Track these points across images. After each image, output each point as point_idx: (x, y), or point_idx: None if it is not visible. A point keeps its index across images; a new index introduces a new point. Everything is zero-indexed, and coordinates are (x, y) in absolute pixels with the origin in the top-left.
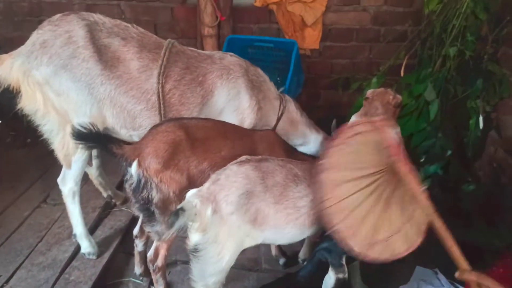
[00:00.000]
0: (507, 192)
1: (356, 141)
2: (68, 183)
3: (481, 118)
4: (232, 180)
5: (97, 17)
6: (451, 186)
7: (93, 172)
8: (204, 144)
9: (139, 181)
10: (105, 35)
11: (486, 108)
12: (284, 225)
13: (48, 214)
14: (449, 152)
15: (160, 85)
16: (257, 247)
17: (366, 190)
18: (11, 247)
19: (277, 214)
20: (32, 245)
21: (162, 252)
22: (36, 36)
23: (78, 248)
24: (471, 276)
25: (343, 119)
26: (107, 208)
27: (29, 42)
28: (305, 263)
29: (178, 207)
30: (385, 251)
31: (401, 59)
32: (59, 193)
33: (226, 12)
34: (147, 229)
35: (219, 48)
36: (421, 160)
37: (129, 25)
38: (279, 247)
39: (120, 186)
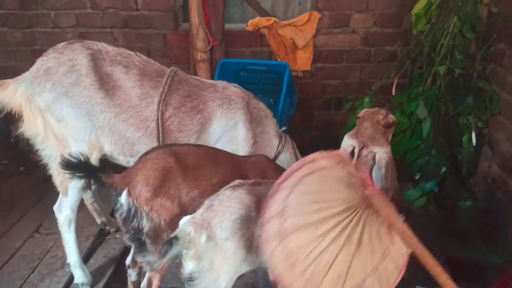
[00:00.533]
0: (503, 208)
1: (312, 180)
2: (64, 211)
3: (473, 135)
4: (226, 205)
5: (101, 45)
6: (447, 203)
7: (88, 198)
8: (195, 171)
9: (129, 210)
10: (107, 63)
11: (478, 124)
12: None
13: (40, 244)
14: (444, 169)
15: (160, 112)
16: (255, 272)
17: (326, 236)
18: (2, 279)
19: None
20: (24, 276)
21: (156, 283)
22: (40, 63)
23: (71, 278)
24: None
25: (336, 139)
26: (101, 236)
27: (33, 68)
28: None
29: (172, 235)
30: None
31: (392, 79)
32: (52, 222)
33: (218, 36)
34: (138, 259)
35: (212, 72)
36: (416, 178)
37: (132, 53)
38: None
39: (114, 213)
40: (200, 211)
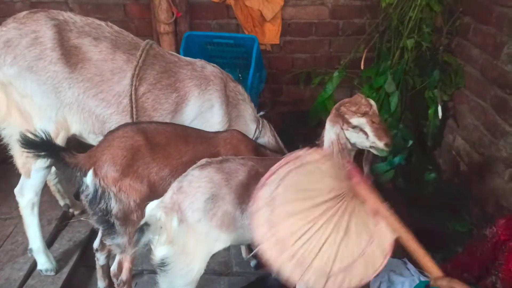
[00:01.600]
0: (466, 179)
1: (299, 172)
2: (26, 194)
3: (439, 108)
4: (195, 185)
5: (67, 15)
6: (413, 175)
7: (51, 178)
8: (164, 150)
9: (95, 191)
10: (75, 35)
11: (443, 98)
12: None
13: None
14: (411, 142)
15: (133, 87)
16: (227, 250)
17: (316, 221)
18: None
19: (243, 214)
20: None
21: (126, 265)
22: None
23: (34, 264)
24: (443, 282)
25: (305, 114)
26: (65, 219)
27: None
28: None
29: (142, 222)
30: (346, 280)
31: (360, 53)
32: (11, 205)
33: (182, 8)
34: (107, 242)
35: (177, 44)
36: None
37: (102, 23)
38: (250, 248)
39: (78, 195)
40: (168, 194)
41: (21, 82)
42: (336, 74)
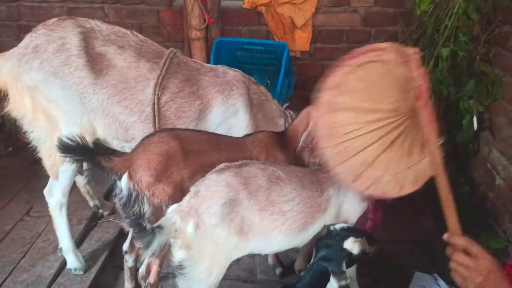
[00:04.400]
0: (501, 193)
1: (374, 68)
2: (55, 195)
3: (475, 119)
4: (212, 189)
5: (94, 23)
6: None
7: (81, 180)
8: (198, 157)
9: (130, 195)
10: (100, 43)
11: (479, 109)
12: (270, 232)
13: (31, 228)
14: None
15: (156, 96)
16: (252, 256)
17: (369, 125)
18: None
19: (263, 221)
20: (15, 261)
21: (155, 268)
22: (29, 39)
23: (64, 263)
24: (460, 241)
25: None
26: (94, 220)
27: (22, 45)
28: (302, 273)
29: (155, 225)
30: (372, 187)
31: None
32: (43, 204)
33: (214, 14)
34: (138, 244)
35: (208, 51)
36: None
37: (128, 32)
38: (276, 256)
39: (108, 196)
40: (186, 198)
41: (46, 87)
42: None
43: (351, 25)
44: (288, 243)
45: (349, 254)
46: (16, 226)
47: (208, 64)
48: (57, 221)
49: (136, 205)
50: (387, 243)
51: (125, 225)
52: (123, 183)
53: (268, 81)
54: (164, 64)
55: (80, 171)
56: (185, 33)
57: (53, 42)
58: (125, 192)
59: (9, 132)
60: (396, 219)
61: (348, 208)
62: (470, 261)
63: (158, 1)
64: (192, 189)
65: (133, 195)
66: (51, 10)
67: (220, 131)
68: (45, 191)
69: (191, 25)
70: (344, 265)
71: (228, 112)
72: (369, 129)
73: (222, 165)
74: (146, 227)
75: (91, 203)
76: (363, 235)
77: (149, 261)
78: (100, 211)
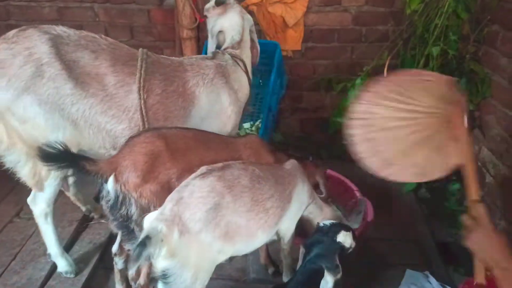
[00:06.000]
0: (491, 191)
1: (415, 85)
2: (39, 204)
3: (465, 117)
4: (197, 196)
5: (59, 29)
6: (436, 186)
7: (70, 191)
8: (185, 156)
9: (116, 197)
10: (72, 48)
11: (469, 108)
12: (255, 232)
13: (22, 230)
14: None
15: (142, 101)
16: (245, 256)
17: (404, 120)
18: None
19: (249, 222)
20: (4, 263)
21: (145, 270)
22: None
23: (55, 265)
24: (480, 209)
25: (326, 121)
26: (85, 221)
27: None
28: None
29: (143, 236)
30: (398, 175)
31: (383, 60)
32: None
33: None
34: (127, 247)
35: (199, 50)
36: None
37: (96, 36)
38: (268, 255)
39: (98, 198)
40: (168, 206)
41: (20, 106)
42: (358, 81)
43: (342, 24)
44: (265, 240)
45: (342, 247)
46: (5, 228)
47: (174, 58)
48: (43, 228)
49: (124, 207)
50: (378, 241)
51: (113, 227)
52: (110, 185)
53: (260, 81)
54: (141, 66)
55: (65, 188)
56: (176, 32)
57: (19, 54)
58: (112, 195)
59: None
60: (387, 218)
61: (301, 199)
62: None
63: (149, 0)
64: (174, 195)
65: (120, 197)
66: (40, 9)
67: (210, 121)
68: (29, 200)
69: (182, 24)
70: (337, 259)
71: (211, 101)
72: (404, 124)
73: (203, 169)
74: (134, 229)
75: (83, 208)
76: (350, 229)
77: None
78: (92, 214)
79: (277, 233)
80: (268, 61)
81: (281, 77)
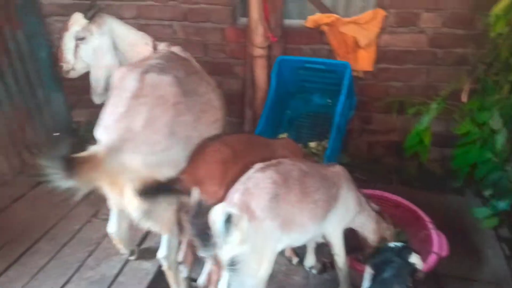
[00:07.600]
0: None
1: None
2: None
3: None
4: (261, 186)
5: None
6: None
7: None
8: (244, 157)
9: (199, 207)
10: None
11: None
12: (308, 222)
13: (98, 229)
14: None
15: None
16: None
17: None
18: (61, 260)
19: (302, 212)
20: (81, 259)
21: (215, 277)
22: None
23: (125, 264)
24: None
25: (397, 145)
26: None
27: None
28: (312, 270)
29: (225, 214)
30: None
31: (461, 84)
32: (109, 208)
33: (278, 32)
34: (203, 254)
35: (269, 69)
36: (488, 194)
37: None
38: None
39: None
40: (236, 196)
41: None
42: (434, 105)
43: (417, 45)
44: (314, 232)
45: (415, 269)
46: (84, 227)
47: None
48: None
49: (205, 215)
50: (452, 279)
51: (190, 235)
52: (194, 197)
53: (329, 100)
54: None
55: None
56: (247, 50)
57: None
58: (194, 205)
59: (81, 137)
60: (463, 255)
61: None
62: None
63: (223, 19)
64: (240, 187)
65: (202, 206)
66: None
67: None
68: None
69: (254, 43)
70: (411, 281)
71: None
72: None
73: (260, 164)
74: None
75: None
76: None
77: (210, 271)
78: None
79: (324, 237)
80: (338, 81)
81: (351, 98)
